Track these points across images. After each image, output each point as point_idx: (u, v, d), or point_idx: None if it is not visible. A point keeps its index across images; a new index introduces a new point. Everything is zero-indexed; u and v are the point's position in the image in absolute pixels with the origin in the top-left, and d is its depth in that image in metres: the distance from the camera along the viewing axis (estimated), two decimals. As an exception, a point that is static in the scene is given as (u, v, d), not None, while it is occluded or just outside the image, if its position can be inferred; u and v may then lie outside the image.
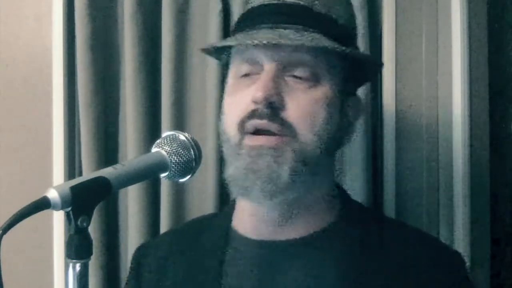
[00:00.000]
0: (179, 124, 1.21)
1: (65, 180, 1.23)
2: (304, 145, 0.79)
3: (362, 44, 1.16)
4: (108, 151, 1.25)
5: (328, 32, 0.81)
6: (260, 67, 0.82)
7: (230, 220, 0.91)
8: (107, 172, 0.67)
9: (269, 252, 0.85)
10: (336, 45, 0.79)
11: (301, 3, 0.82)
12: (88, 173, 1.15)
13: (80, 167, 1.24)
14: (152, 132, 1.21)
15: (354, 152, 1.17)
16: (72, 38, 1.24)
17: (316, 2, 0.82)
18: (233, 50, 0.87)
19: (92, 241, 0.63)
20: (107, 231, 1.23)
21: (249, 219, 0.88)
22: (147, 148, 0.81)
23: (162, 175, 0.75)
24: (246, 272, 0.85)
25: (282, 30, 0.80)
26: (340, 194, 0.91)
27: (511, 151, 1.26)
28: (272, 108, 0.78)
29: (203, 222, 0.99)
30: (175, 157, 0.73)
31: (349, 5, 0.91)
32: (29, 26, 1.31)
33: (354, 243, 0.84)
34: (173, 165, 0.73)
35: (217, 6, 1.20)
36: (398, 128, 1.21)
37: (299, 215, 0.85)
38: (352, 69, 0.85)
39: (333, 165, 0.90)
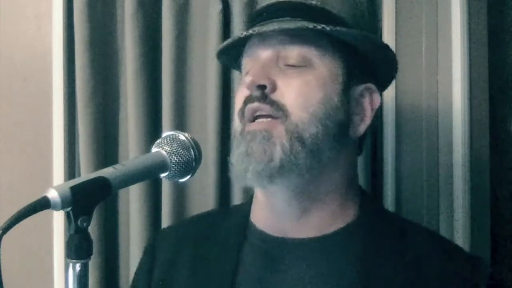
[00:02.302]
0: (179, 124, 1.21)
1: (65, 180, 1.23)
2: (298, 123, 0.80)
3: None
4: (108, 151, 1.25)
5: (317, 19, 0.83)
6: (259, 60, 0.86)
7: (249, 214, 0.92)
8: (107, 172, 0.67)
9: (281, 249, 0.85)
10: (312, 25, 0.81)
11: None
12: (86, 173, 1.15)
13: (80, 167, 1.24)
14: (152, 132, 1.21)
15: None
16: (72, 38, 1.24)
17: None
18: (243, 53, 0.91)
19: (92, 241, 0.63)
20: (107, 231, 1.23)
21: (265, 213, 0.89)
22: (147, 148, 0.81)
23: (162, 175, 0.75)
24: (257, 267, 0.85)
25: (275, 22, 0.84)
26: (362, 195, 0.91)
27: (511, 151, 1.26)
28: (263, 91, 0.81)
29: (224, 213, 1.01)
30: (175, 157, 0.73)
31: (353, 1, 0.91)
32: (29, 26, 1.31)
33: (370, 246, 0.83)
34: (173, 165, 0.73)
35: (217, 6, 1.20)
36: (398, 128, 1.21)
37: (313, 211, 0.85)
38: (359, 58, 0.86)
39: (349, 159, 0.88)
